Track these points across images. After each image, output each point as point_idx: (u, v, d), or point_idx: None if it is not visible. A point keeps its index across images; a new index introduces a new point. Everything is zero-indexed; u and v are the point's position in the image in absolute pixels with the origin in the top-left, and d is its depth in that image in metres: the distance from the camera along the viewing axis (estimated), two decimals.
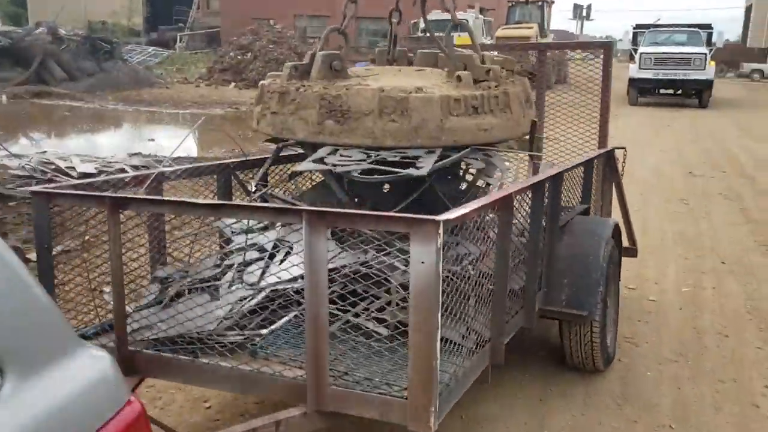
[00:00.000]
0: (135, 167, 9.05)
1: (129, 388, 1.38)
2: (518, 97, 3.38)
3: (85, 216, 2.89)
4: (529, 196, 3.08)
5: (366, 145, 3.06)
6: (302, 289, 2.33)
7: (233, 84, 25.86)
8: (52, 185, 2.81)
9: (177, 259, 2.98)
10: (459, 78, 3.25)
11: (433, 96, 3.04)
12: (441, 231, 2.06)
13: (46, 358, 1.16)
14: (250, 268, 2.75)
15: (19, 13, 51.19)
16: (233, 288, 2.64)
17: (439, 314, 2.13)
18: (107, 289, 2.64)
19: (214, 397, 3.51)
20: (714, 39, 22.19)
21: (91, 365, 1.26)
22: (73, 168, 8.44)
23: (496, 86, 3.29)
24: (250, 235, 2.80)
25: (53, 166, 8.51)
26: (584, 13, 41.50)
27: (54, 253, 2.79)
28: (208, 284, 2.69)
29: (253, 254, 2.83)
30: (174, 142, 14.81)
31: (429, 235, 2.06)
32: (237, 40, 27.60)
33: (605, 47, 5.01)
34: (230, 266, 2.76)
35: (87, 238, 4.41)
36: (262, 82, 3.50)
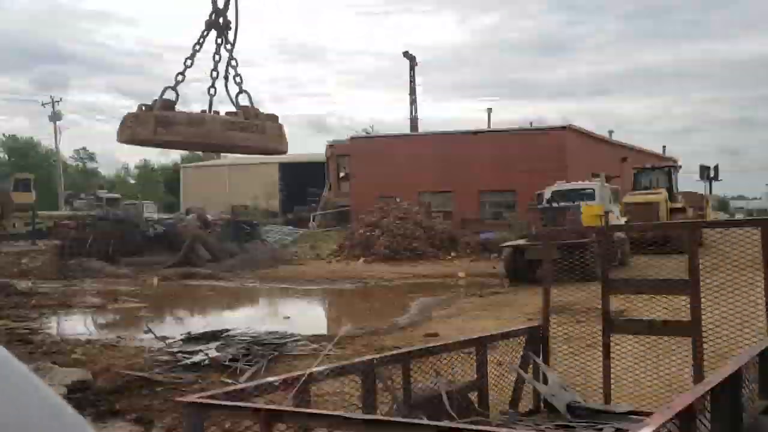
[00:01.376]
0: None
1: None
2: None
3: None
4: (707, 401, 2.76)
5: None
6: None
7: (362, 258, 26.73)
8: (206, 394, 2.83)
9: None
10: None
11: None
12: None
13: None
14: None
15: (172, 201, 56.95)
16: None
17: None
18: None
19: None
20: None
21: None
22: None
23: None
24: None
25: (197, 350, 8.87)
26: (711, 174, 40.50)
27: None
28: None
29: None
30: (307, 319, 15.22)
31: None
32: (366, 217, 28.94)
33: (763, 226, 4.70)
34: None
35: None
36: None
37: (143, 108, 4.88)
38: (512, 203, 33.14)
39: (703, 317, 4.80)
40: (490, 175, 33.85)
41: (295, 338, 10.50)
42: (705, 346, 4.72)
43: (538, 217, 20.92)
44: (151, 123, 4.99)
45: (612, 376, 5.15)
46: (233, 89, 5.34)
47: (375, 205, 29.69)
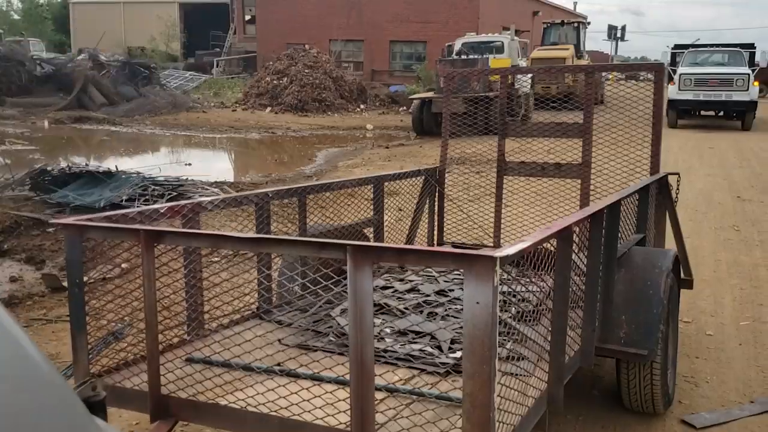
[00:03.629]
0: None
1: None
2: None
3: (123, 246, 2.78)
4: (587, 227, 2.88)
5: None
6: None
7: (269, 108, 26.07)
8: (85, 217, 2.70)
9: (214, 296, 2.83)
10: None
11: None
12: (497, 268, 1.88)
13: None
14: None
15: (62, 40, 52.65)
16: None
17: (496, 359, 1.94)
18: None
19: None
20: (757, 58, 21.68)
21: None
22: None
23: None
24: None
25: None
26: (619, 34, 41.15)
27: (91, 280, 2.68)
28: None
29: None
30: (211, 166, 14.90)
31: (484, 272, 1.89)
32: (273, 64, 27.90)
33: (657, 69, 4.79)
34: None
35: (124, 266, 4.30)
36: None
37: None
38: (422, 55, 32.70)
39: (595, 162, 4.96)
40: (402, 25, 33.04)
41: (195, 183, 10.28)
42: (596, 190, 4.92)
43: (447, 69, 20.81)
44: None
45: (505, 222, 5.32)
46: None
47: (283, 53, 28.56)
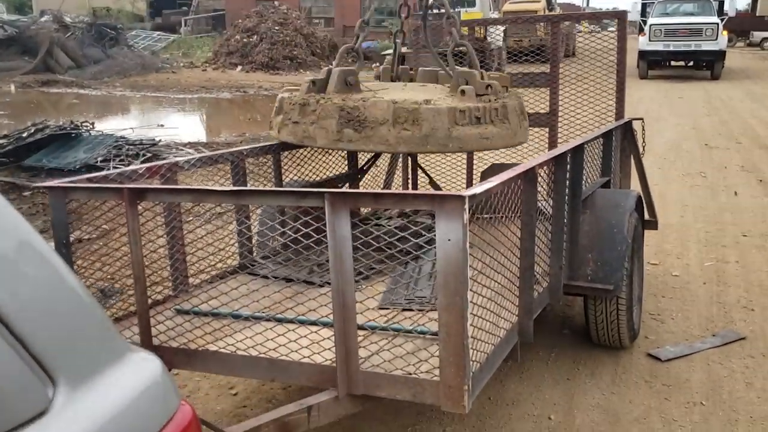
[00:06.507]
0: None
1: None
2: (515, 110, 3.59)
3: (102, 208, 2.84)
4: (552, 169, 3.01)
5: (380, 151, 3.60)
6: None
7: (240, 67, 25.75)
8: (67, 180, 2.76)
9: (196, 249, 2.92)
10: (462, 92, 3.46)
11: (441, 107, 3.29)
12: (467, 207, 2.01)
13: (97, 365, 1.11)
14: None
15: (23, 2, 51.03)
16: None
17: (468, 292, 2.08)
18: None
19: (240, 384, 3.48)
20: (726, 8, 21.80)
21: (142, 370, 1.21)
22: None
23: (495, 99, 3.49)
24: None
25: None
26: None
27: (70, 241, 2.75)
28: None
29: None
30: (184, 126, 14.80)
31: (454, 211, 2.01)
32: (242, 22, 27.44)
33: (619, 17, 4.89)
34: None
35: (103, 227, 4.36)
36: (280, 95, 3.79)
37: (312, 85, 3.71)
38: (394, 10, 32.32)
39: (560, 108, 5.06)
40: None
41: (169, 144, 10.26)
42: (565, 139, 5.03)
43: (416, 23, 20.66)
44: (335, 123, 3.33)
45: (477, 172, 5.41)
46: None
47: (252, 10, 28.07)
